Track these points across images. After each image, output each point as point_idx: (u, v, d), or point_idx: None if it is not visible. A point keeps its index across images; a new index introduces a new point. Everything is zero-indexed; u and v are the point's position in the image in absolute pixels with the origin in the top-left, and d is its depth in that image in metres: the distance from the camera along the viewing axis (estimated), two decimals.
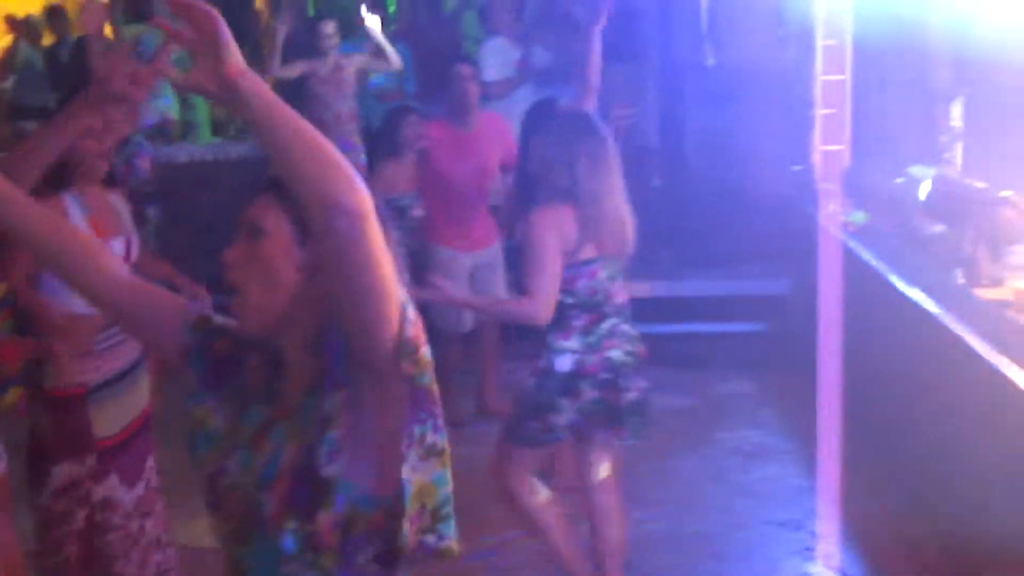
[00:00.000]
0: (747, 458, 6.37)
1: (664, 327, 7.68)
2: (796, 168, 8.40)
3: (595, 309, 4.36)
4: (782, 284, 8.13)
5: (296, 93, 8.29)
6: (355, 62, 8.73)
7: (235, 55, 1.80)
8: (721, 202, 8.30)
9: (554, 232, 4.23)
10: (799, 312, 7.92)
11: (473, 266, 6.78)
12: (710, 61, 8.91)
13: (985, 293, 5.45)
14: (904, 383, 5.81)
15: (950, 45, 9.33)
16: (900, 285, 5.82)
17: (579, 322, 4.35)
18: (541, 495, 4.63)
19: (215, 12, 1.79)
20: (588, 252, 4.29)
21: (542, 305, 4.20)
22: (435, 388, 2.10)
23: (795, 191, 8.16)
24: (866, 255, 6.42)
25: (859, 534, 5.37)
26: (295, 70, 8.65)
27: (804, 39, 8.31)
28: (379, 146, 7.32)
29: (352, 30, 9.53)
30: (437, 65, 8.39)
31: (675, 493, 5.96)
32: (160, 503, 4.06)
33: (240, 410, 2.24)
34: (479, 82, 6.93)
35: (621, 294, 4.45)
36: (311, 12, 11.81)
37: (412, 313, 2.03)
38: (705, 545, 5.46)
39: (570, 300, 4.31)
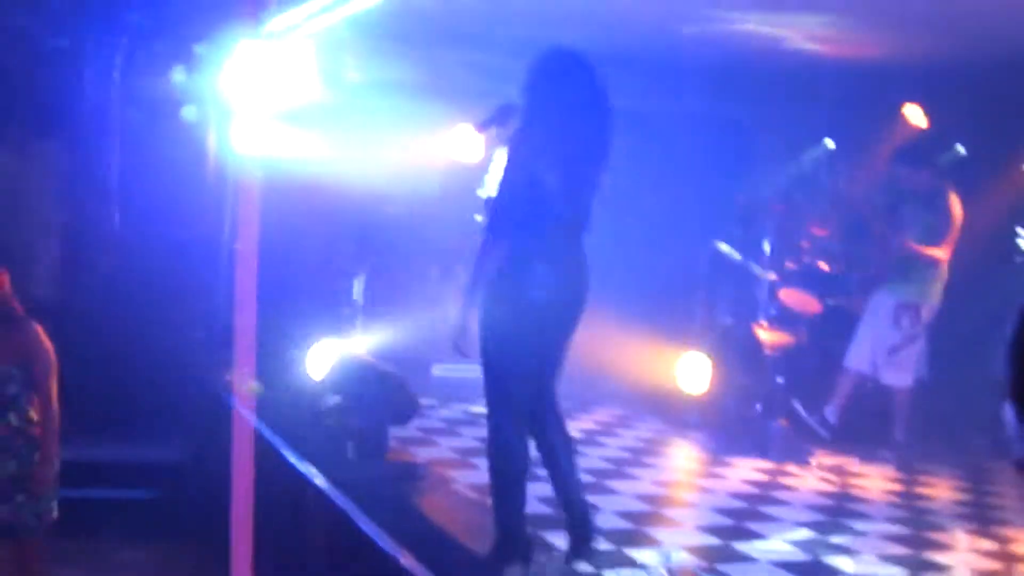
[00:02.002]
0: None
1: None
2: (198, 334, 8.38)
3: None
4: (177, 450, 8.00)
5: None
6: None
7: None
8: (119, 364, 8.08)
9: None
10: (195, 479, 7.82)
11: None
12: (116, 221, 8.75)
13: None
14: (306, 555, 5.85)
15: (355, 224, 9.81)
16: (292, 458, 5.90)
17: None
18: None
19: None
20: None
21: None
22: None
23: (196, 358, 8.12)
24: (261, 426, 6.47)
25: None
26: None
27: (216, 208, 8.40)
28: None
29: None
30: None
31: None
32: None
33: None
34: None
35: None
36: None
37: None
38: None
39: None
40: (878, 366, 8.23)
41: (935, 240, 8.04)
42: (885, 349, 8.18)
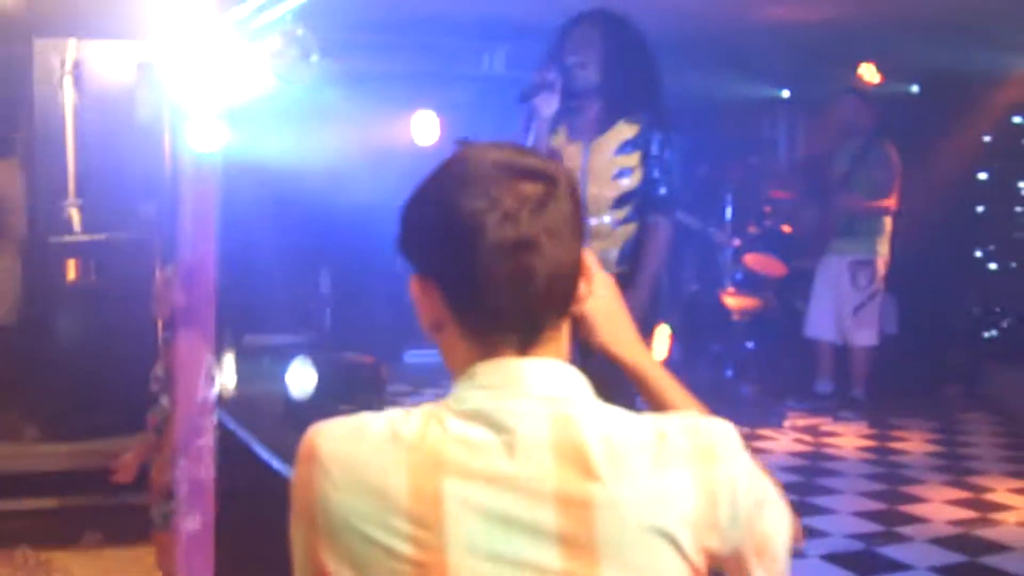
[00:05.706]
0: None
1: None
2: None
3: None
4: None
5: None
6: None
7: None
8: (84, 373, 8.01)
9: None
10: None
11: None
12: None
13: None
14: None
15: (318, 216, 9.76)
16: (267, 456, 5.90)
17: None
18: None
19: None
20: None
21: None
22: None
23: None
24: (234, 426, 6.47)
25: None
26: None
27: (175, 209, 8.32)
28: None
29: None
30: None
31: None
32: None
33: None
34: None
35: None
36: None
37: None
38: None
39: None
40: (847, 329, 8.29)
41: (879, 194, 8.11)
42: (850, 311, 8.25)
